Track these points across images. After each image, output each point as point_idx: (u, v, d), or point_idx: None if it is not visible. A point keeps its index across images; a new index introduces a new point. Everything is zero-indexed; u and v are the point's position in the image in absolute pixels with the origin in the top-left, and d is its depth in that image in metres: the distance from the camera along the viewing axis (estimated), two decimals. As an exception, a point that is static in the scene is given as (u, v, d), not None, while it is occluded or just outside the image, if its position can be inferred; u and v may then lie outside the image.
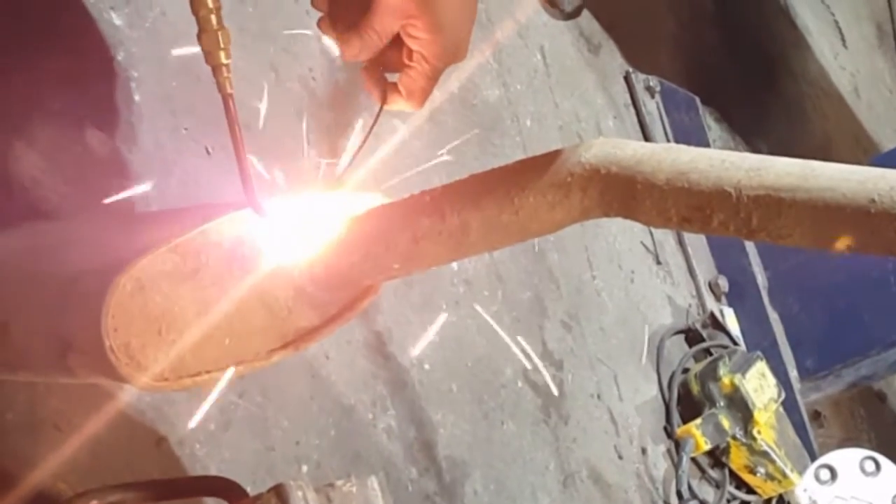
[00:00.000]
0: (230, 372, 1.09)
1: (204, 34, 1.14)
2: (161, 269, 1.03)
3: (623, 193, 0.99)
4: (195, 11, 1.14)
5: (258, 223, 1.12)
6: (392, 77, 1.24)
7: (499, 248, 1.12)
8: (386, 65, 1.21)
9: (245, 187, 1.10)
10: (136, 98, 1.62)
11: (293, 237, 1.14)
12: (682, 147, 1.01)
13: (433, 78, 1.18)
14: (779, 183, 0.93)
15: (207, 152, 1.70)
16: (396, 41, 1.16)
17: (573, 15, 2.76)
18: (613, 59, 2.89)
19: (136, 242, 1.03)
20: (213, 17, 1.13)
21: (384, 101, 1.22)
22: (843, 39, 4.22)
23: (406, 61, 1.16)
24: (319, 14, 1.26)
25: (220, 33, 1.13)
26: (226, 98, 1.13)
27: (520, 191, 1.03)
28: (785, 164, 0.95)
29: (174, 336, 1.03)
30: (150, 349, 1.01)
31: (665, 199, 0.98)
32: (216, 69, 1.14)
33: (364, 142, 1.28)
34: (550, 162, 1.04)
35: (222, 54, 1.14)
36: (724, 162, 0.97)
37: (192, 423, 1.51)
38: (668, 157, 0.99)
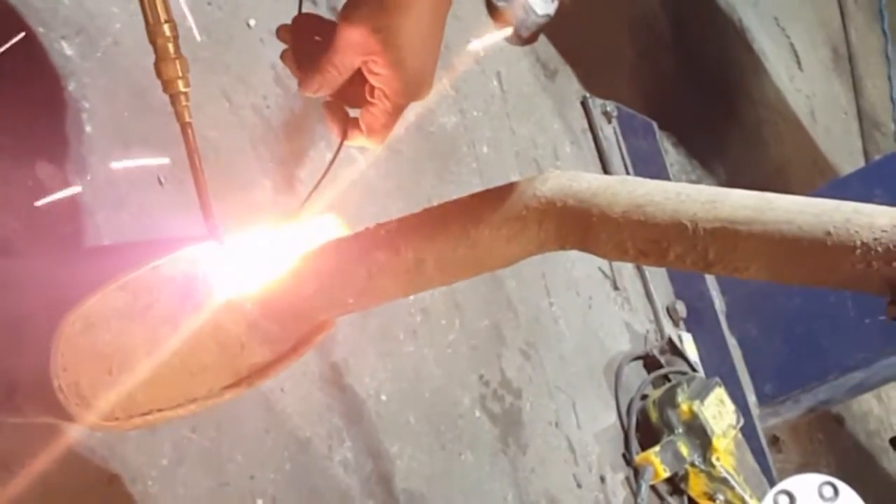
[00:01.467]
0: (182, 410, 1.08)
1: (162, 63, 1.13)
2: (112, 306, 1.01)
3: (579, 227, 0.99)
4: (152, 40, 1.12)
5: (211, 258, 1.10)
6: (354, 112, 1.23)
7: (455, 282, 1.11)
8: (347, 100, 1.20)
9: (205, 217, 1.09)
10: (88, 129, 1.60)
11: (247, 271, 1.12)
12: (638, 180, 1.01)
13: (395, 115, 1.16)
14: (735, 215, 0.93)
15: (160, 183, 1.68)
16: (358, 76, 1.15)
17: (530, 41, 2.77)
18: (570, 85, 2.90)
19: (87, 279, 1.01)
20: (171, 46, 1.12)
21: (344, 136, 1.21)
22: (798, 63, 4.27)
23: (368, 97, 1.15)
24: (281, 46, 1.25)
25: (178, 62, 1.13)
26: (184, 127, 1.13)
27: (475, 225, 1.02)
28: (741, 197, 0.95)
29: (125, 375, 1.02)
30: (99, 388, 0.99)
31: (621, 233, 0.97)
32: (174, 98, 1.13)
33: (323, 177, 1.27)
34: (506, 195, 1.03)
35: (181, 83, 1.13)
36: (679, 195, 0.97)
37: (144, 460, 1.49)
38: (623, 189, 0.99)
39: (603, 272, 2.69)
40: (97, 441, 1.46)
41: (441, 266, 1.05)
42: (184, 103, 1.12)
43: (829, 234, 0.90)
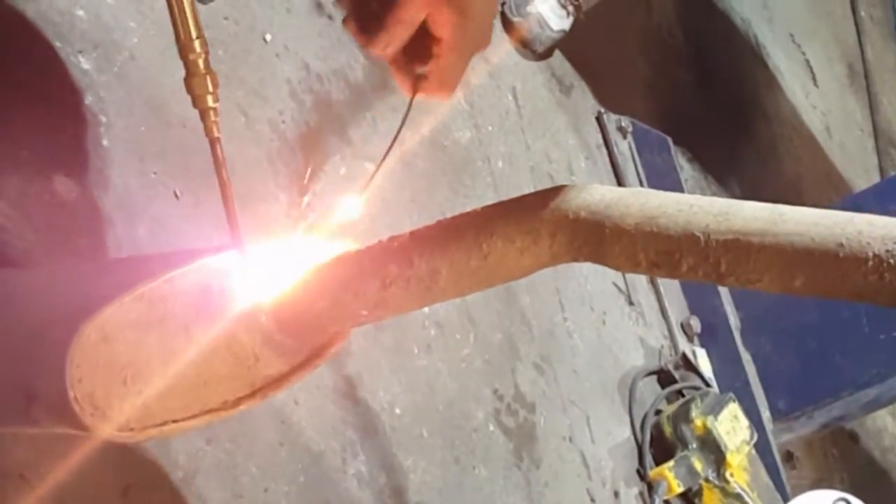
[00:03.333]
0: (197, 421, 1.08)
1: (192, 78, 1.14)
2: (127, 317, 1.02)
3: (592, 239, 1.00)
4: (183, 56, 1.14)
5: (226, 270, 1.11)
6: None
7: (468, 294, 1.12)
8: (412, 56, 1.20)
9: (232, 230, 1.10)
10: (105, 143, 1.61)
11: (262, 283, 1.13)
12: (651, 191, 1.02)
13: (463, 65, 1.17)
14: (747, 227, 0.94)
15: (176, 196, 1.69)
16: (422, 31, 1.16)
17: (545, 56, 2.78)
18: (585, 100, 2.91)
19: (103, 291, 1.02)
20: (201, 62, 1.13)
21: (415, 91, 1.22)
22: (814, 79, 4.27)
23: (435, 50, 1.16)
24: (343, 13, 1.25)
25: (207, 77, 1.14)
26: (213, 142, 1.14)
27: (488, 237, 1.03)
28: (753, 209, 0.96)
29: (140, 386, 1.02)
30: (114, 399, 1.00)
31: (634, 245, 0.98)
32: (204, 113, 1.14)
33: (392, 144, 1.28)
34: (519, 207, 1.04)
35: (210, 98, 1.15)
36: (692, 206, 0.98)
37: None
38: (636, 201, 1.00)
39: (617, 287, 2.69)
40: (113, 452, 1.46)
41: (454, 277, 1.05)
42: (213, 119, 1.13)
43: (841, 245, 0.90)
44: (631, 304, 2.70)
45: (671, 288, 2.83)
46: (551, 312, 2.44)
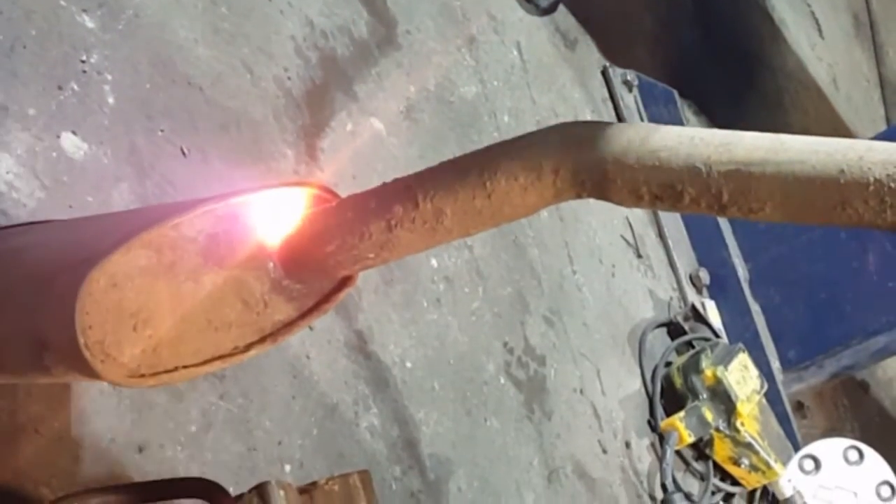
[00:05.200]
0: (208, 367, 1.09)
1: None
2: (136, 264, 1.02)
3: (594, 173, 1.00)
4: None
5: (234, 216, 1.11)
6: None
7: (473, 234, 1.12)
8: None
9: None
10: (111, 101, 1.61)
11: (269, 229, 1.13)
12: (652, 125, 1.02)
13: None
14: (748, 157, 0.94)
15: (183, 154, 1.69)
16: None
17: (549, 10, 2.76)
18: (590, 55, 2.90)
19: (110, 239, 1.02)
20: None
21: None
22: (819, 31, 4.24)
23: None
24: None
25: None
26: None
27: (492, 174, 1.03)
28: (754, 138, 0.96)
29: (150, 332, 1.03)
30: (125, 345, 1.00)
31: (636, 178, 0.98)
32: None
33: None
34: (522, 145, 1.04)
35: None
36: (693, 139, 0.98)
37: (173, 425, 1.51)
38: (637, 135, 1.00)
39: (625, 240, 2.69)
40: (126, 406, 1.48)
41: (459, 216, 1.05)
42: None
43: (842, 171, 0.91)
44: (639, 256, 2.70)
45: (680, 241, 2.83)
46: (560, 265, 2.44)
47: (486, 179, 1.03)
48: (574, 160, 1.00)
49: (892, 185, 0.89)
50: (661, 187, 0.97)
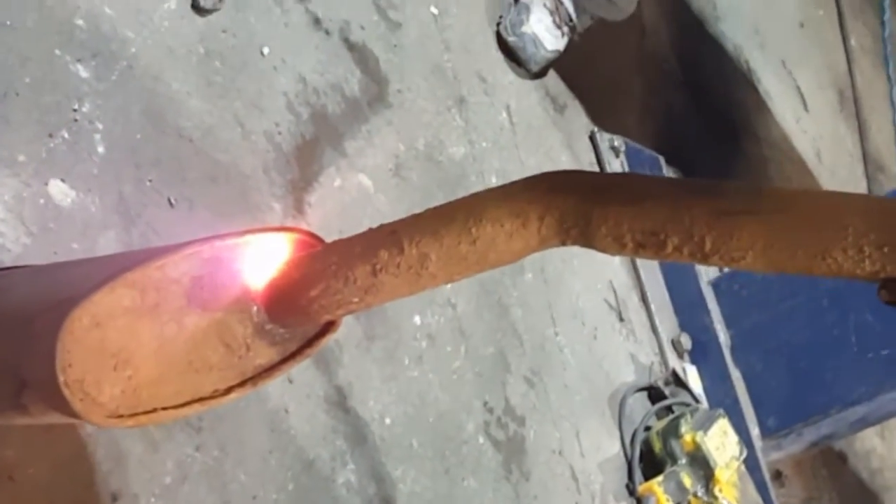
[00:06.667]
0: (187, 410, 1.09)
1: None
2: (119, 304, 1.02)
3: (579, 221, 1.02)
4: None
5: (219, 259, 1.12)
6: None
7: (458, 279, 1.12)
8: None
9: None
10: (101, 150, 1.62)
11: (254, 273, 1.14)
12: (636, 174, 1.04)
13: None
14: (731, 206, 0.96)
15: (171, 204, 1.70)
16: None
17: (540, 75, 2.80)
18: (579, 119, 2.93)
19: (94, 279, 1.02)
20: None
21: None
22: (805, 104, 4.30)
23: None
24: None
25: None
26: None
27: (477, 220, 1.04)
28: (736, 188, 0.99)
29: (130, 372, 1.02)
30: (104, 385, 1.00)
31: (620, 225, 1.00)
32: None
33: None
34: (508, 192, 1.06)
35: None
36: (675, 187, 1.01)
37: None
38: (622, 184, 1.03)
39: (608, 303, 2.71)
40: (102, 455, 1.47)
41: (444, 262, 1.06)
42: None
43: (821, 221, 0.93)
44: (622, 320, 2.71)
45: (662, 305, 2.85)
46: (543, 327, 2.45)
47: (471, 225, 1.04)
48: (559, 207, 1.02)
49: (871, 235, 0.91)
50: (644, 235, 0.99)
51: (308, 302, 1.11)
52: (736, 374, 2.82)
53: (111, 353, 1.01)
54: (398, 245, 1.07)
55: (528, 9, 2.67)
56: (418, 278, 1.07)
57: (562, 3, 2.68)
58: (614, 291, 2.73)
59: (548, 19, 2.67)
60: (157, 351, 1.04)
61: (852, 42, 4.77)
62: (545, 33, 2.69)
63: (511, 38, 2.69)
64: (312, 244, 1.17)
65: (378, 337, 1.98)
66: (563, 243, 1.04)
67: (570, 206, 1.01)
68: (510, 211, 1.03)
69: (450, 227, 1.05)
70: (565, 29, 2.72)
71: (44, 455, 1.40)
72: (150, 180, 1.69)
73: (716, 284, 2.91)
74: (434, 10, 2.51)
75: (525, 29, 2.68)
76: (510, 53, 2.70)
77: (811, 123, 4.27)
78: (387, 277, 1.08)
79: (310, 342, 1.17)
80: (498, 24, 2.71)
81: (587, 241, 1.02)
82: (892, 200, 0.93)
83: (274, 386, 1.72)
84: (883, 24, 4.30)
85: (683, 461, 2.44)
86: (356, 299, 1.10)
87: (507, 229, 1.03)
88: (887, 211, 0.92)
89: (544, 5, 2.67)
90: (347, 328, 1.90)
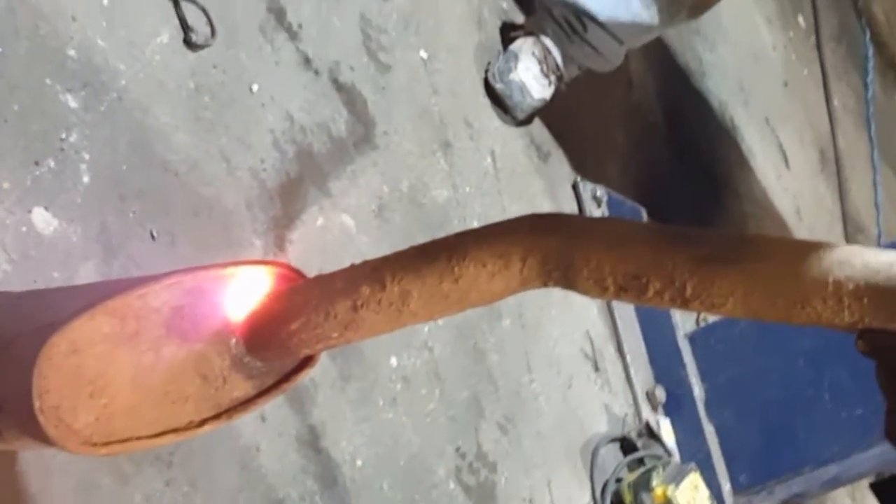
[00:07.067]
0: (161, 440, 1.09)
1: None
2: (98, 331, 1.03)
3: (561, 263, 1.03)
4: None
5: (200, 290, 1.12)
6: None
7: (438, 318, 1.14)
8: None
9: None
10: (86, 179, 1.63)
11: (234, 305, 1.14)
12: (619, 219, 1.06)
13: None
14: (712, 253, 0.98)
15: (153, 237, 1.71)
16: None
17: (525, 122, 2.83)
18: (562, 168, 2.96)
19: (75, 305, 1.03)
20: None
21: None
22: (786, 162, 4.35)
23: None
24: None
25: None
26: None
27: (460, 260, 1.06)
28: (718, 235, 1.02)
29: (106, 400, 1.03)
30: (80, 412, 1.01)
31: (602, 269, 1.02)
32: None
33: None
34: (491, 232, 1.08)
35: None
36: (658, 233, 1.03)
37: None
38: (605, 227, 1.05)
39: (585, 353, 2.71)
40: (70, 488, 1.46)
41: (425, 300, 1.07)
42: None
43: (802, 270, 0.94)
44: (597, 370, 2.72)
45: (638, 356, 2.86)
46: (519, 373, 2.45)
47: (454, 264, 1.06)
48: (542, 249, 1.04)
49: (851, 286, 0.93)
50: (626, 278, 1.01)
51: (288, 335, 1.12)
52: (709, 429, 2.82)
53: (88, 380, 1.01)
54: (380, 281, 1.08)
55: (516, 57, 2.69)
56: (399, 315, 1.09)
57: (550, 52, 2.71)
58: (591, 341, 2.74)
59: (536, 68, 2.69)
60: (133, 380, 1.05)
61: (835, 102, 4.82)
62: (532, 81, 2.71)
63: (498, 85, 2.71)
64: (294, 278, 1.18)
65: (354, 377, 1.98)
66: (545, 285, 1.06)
67: (552, 247, 1.03)
68: (493, 251, 1.05)
69: (432, 265, 1.06)
70: (552, 78, 2.74)
71: (10, 485, 1.39)
72: (133, 212, 1.69)
73: (692, 338, 2.93)
74: (424, 55, 2.53)
75: (513, 76, 2.70)
76: (497, 100, 2.73)
77: (792, 181, 4.32)
78: (367, 313, 1.09)
79: (286, 377, 1.18)
80: (486, 71, 2.73)
81: (569, 284, 1.04)
82: (872, 252, 0.95)
83: (246, 423, 1.72)
84: (866, 85, 4.35)
85: (654, 514, 2.44)
86: (336, 334, 1.11)
87: (490, 269, 1.05)
88: (867, 263, 0.94)
89: (533, 54, 2.69)
90: (323, 368, 1.90)
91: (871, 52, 4.43)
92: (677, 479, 2.46)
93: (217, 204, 1.86)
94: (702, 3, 2.84)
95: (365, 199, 2.21)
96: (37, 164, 1.56)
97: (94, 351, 1.02)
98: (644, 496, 2.45)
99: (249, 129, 1.97)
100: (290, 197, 2.02)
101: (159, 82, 1.82)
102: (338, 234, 2.11)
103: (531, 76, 2.70)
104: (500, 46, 2.78)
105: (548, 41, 2.71)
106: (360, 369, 1.99)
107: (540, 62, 2.71)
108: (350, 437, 1.93)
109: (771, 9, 4.77)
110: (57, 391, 0.98)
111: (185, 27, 1.89)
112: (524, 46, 2.71)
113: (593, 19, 2.65)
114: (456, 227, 2.44)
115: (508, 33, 2.80)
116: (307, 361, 1.19)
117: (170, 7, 1.88)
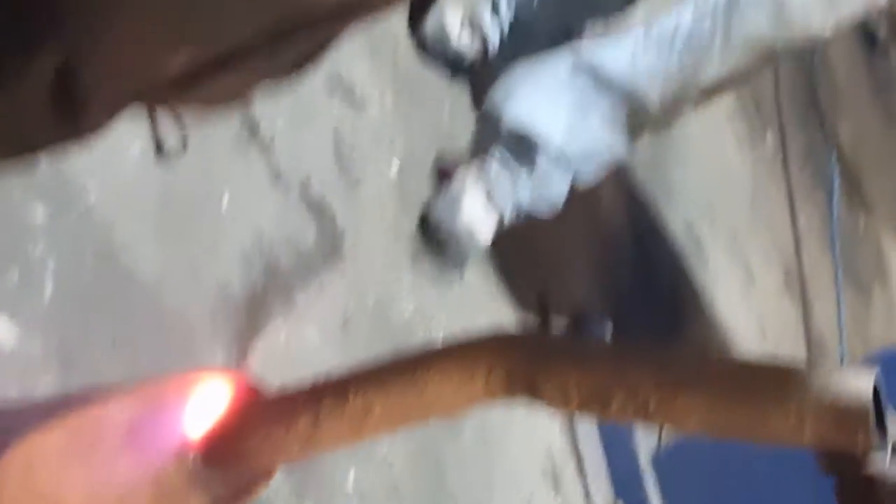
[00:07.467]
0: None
1: None
2: (53, 445, 1.03)
3: (527, 377, 1.05)
4: None
5: (158, 404, 1.13)
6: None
7: (400, 430, 1.14)
8: None
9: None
10: (49, 289, 1.64)
11: (193, 418, 1.14)
12: (584, 338, 1.09)
13: None
14: (675, 371, 1.02)
15: (114, 346, 1.71)
16: None
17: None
18: (526, 281, 2.98)
19: (31, 419, 1.03)
20: None
21: None
22: (752, 281, 4.40)
23: None
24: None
25: None
26: None
27: (425, 371, 1.08)
28: (680, 354, 1.05)
29: (59, 516, 1.02)
30: (33, 529, 1.00)
31: (566, 382, 1.05)
32: None
33: None
34: (457, 346, 1.10)
35: None
36: (624, 350, 1.08)
37: None
38: (570, 346, 1.11)
39: (544, 471, 2.70)
40: None
41: (388, 412, 1.09)
42: None
43: (763, 390, 0.97)
44: (556, 490, 2.71)
45: (598, 474, 2.85)
46: (478, 491, 2.44)
47: (418, 378, 1.07)
48: (507, 363, 1.06)
49: (811, 406, 0.95)
50: (590, 392, 1.03)
51: (247, 449, 1.12)
52: (671, 551, 2.81)
53: (41, 495, 1.01)
54: (343, 394, 1.09)
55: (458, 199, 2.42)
56: (361, 428, 1.10)
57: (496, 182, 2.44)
58: (552, 459, 2.73)
59: (482, 197, 2.44)
60: (87, 495, 1.04)
61: (801, 221, 4.90)
62: (481, 214, 2.45)
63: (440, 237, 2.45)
64: (255, 391, 1.18)
65: (308, 495, 1.96)
66: (510, 396, 1.08)
67: (517, 362, 1.06)
68: (458, 365, 1.07)
69: (397, 378, 1.08)
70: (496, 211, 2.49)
71: None
72: (96, 322, 1.70)
73: (655, 459, 2.92)
74: (394, 169, 2.57)
75: (458, 223, 2.45)
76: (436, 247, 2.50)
77: (757, 300, 4.36)
78: (329, 426, 1.10)
79: (244, 488, 1.18)
80: (422, 220, 2.48)
81: (533, 394, 1.06)
82: (835, 373, 0.98)
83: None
84: (831, 206, 4.42)
85: None
86: (296, 448, 1.12)
87: (455, 381, 1.07)
88: (829, 384, 0.97)
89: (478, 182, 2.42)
90: (277, 483, 1.88)
91: (836, 172, 4.50)
92: None
93: (182, 315, 1.87)
94: (664, 122, 2.86)
95: (330, 312, 2.22)
96: (0, 273, 1.57)
97: (48, 466, 1.02)
98: None
99: (217, 242, 2.00)
100: (255, 308, 2.03)
101: (129, 194, 1.85)
102: (302, 345, 2.11)
103: (480, 207, 2.45)
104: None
105: (494, 166, 2.46)
106: (315, 487, 1.98)
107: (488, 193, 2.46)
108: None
109: (741, 126, 4.87)
110: (10, 505, 0.98)
111: (157, 139, 1.92)
112: (467, 179, 2.46)
113: (546, 147, 2.44)
114: (421, 339, 2.45)
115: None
116: (264, 474, 1.19)
117: (142, 118, 1.91)
